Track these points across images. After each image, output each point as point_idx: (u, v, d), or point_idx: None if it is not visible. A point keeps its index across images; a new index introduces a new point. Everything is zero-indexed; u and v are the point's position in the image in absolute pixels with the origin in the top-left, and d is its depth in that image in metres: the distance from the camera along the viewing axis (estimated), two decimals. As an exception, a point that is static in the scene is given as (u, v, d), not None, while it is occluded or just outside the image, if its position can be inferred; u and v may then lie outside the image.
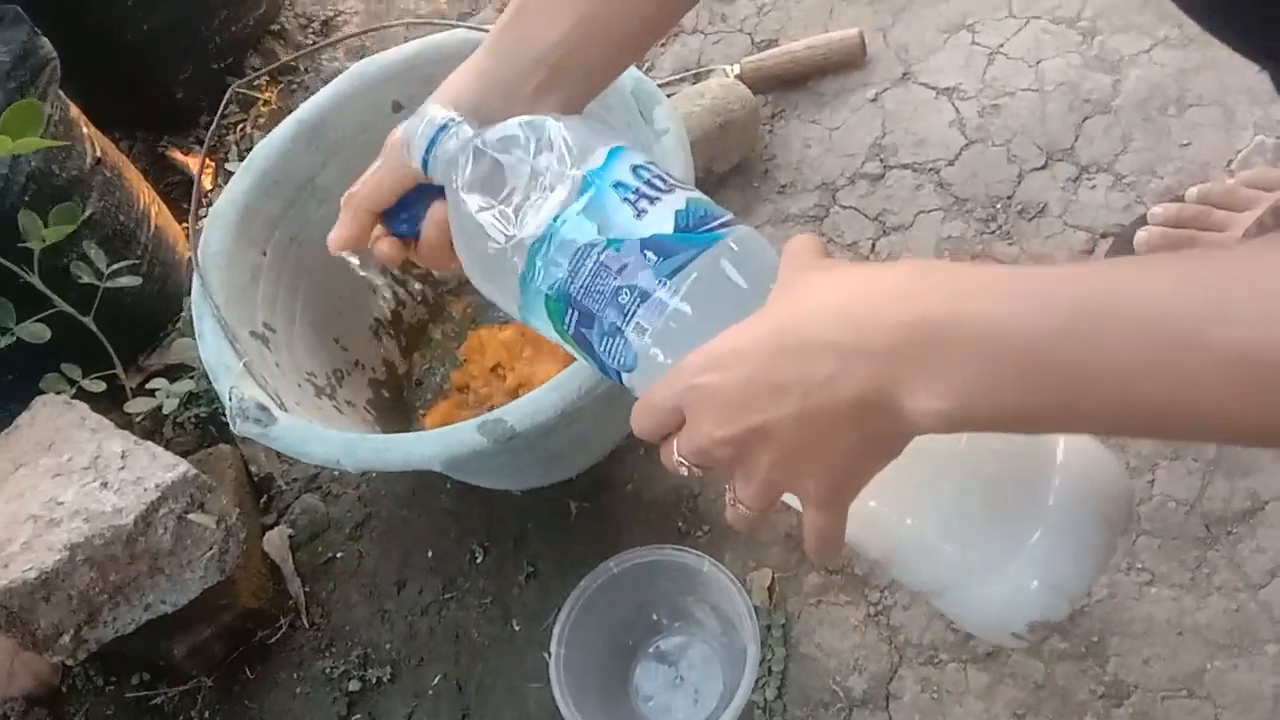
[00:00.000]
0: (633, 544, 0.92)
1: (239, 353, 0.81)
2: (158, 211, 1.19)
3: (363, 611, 0.95)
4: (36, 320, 1.01)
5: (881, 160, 1.02)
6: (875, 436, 0.43)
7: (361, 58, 1.32)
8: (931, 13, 1.11)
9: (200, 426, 1.08)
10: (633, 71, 0.86)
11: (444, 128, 0.56)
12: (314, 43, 1.39)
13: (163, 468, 0.85)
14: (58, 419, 0.95)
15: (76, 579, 0.82)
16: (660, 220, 0.50)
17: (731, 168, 1.06)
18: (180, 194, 1.29)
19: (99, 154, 1.11)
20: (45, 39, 1.04)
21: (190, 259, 1.23)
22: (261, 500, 1.03)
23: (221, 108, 0.88)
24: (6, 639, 0.95)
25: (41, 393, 1.06)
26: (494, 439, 0.74)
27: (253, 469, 1.04)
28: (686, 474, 0.48)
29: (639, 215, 0.50)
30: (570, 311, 0.52)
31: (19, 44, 1.02)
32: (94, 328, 1.04)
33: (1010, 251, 0.93)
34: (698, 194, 0.52)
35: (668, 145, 0.82)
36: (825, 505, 0.47)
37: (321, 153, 0.94)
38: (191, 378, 1.10)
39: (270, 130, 0.93)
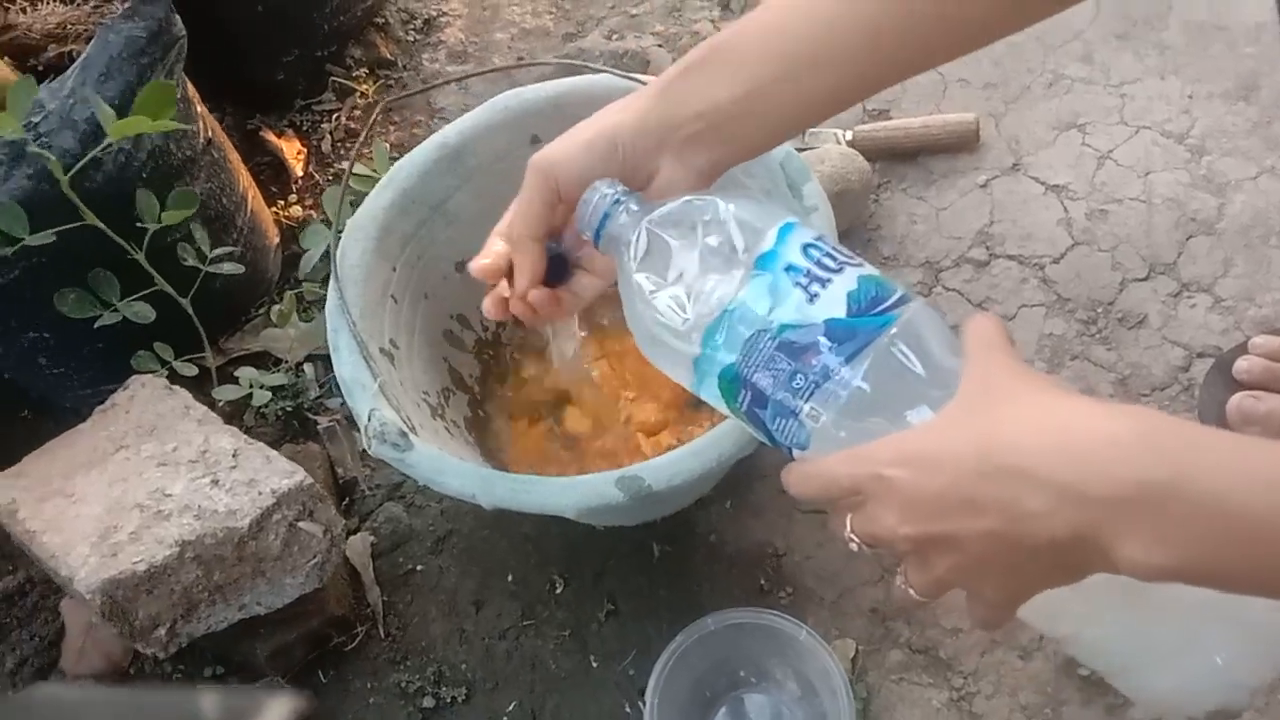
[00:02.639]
0: (714, 595, 0.95)
1: (374, 371, 0.82)
2: (254, 195, 1.19)
3: (440, 628, 0.96)
4: (139, 299, 1.01)
5: (988, 248, 1.05)
6: (1070, 567, 0.45)
7: (464, 64, 1.34)
8: (1044, 107, 1.15)
9: (283, 420, 1.09)
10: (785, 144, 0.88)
11: (616, 203, 0.58)
12: (414, 40, 1.39)
13: (279, 473, 0.86)
14: (158, 404, 0.96)
15: (183, 575, 0.83)
16: (832, 304, 0.51)
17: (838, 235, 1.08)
18: (269, 175, 1.29)
19: (209, 134, 1.11)
20: (178, 17, 1.04)
21: (278, 245, 1.23)
22: (344, 504, 1.04)
23: (371, 120, 0.89)
24: (82, 617, 0.96)
25: (131, 369, 1.07)
26: (631, 495, 0.76)
27: (339, 471, 1.05)
28: (856, 549, 0.51)
29: (811, 300, 0.51)
30: (744, 392, 0.53)
31: (155, 21, 1.01)
32: (190, 310, 1.05)
33: (1109, 358, 0.97)
34: (868, 270, 0.53)
35: (815, 223, 0.84)
36: (997, 608, 0.49)
37: (458, 177, 0.95)
38: (279, 370, 1.10)
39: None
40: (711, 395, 0.56)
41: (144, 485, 0.88)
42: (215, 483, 0.87)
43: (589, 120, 0.61)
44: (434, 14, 1.40)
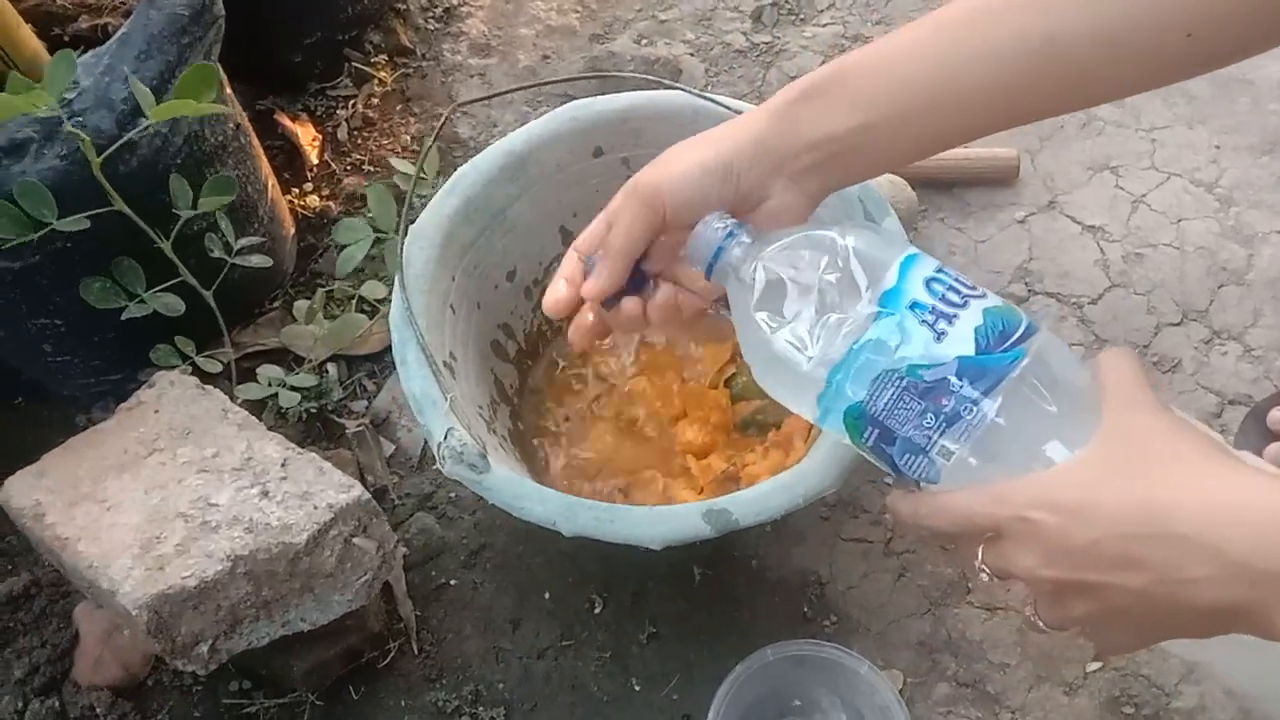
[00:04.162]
0: (757, 622, 0.95)
1: (443, 387, 0.79)
2: (273, 184, 1.14)
3: (475, 645, 0.94)
4: (163, 290, 0.96)
5: (1027, 284, 1.07)
6: (1217, 628, 0.46)
7: (486, 57, 1.30)
8: (1077, 146, 1.17)
9: (305, 422, 1.05)
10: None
11: (730, 235, 0.57)
12: (434, 29, 1.35)
13: (335, 487, 0.83)
14: (191, 405, 0.91)
15: (232, 591, 0.79)
16: (960, 341, 0.51)
17: (878, 260, 1.08)
18: (282, 161, 1.24)
19: (237, 119, 1.06)
20: (220, -4, 0.99)
21: (294, 235, 1.19)
22: (373, 513, 1.00)
23: (440, 124, 0.86)
24: (98, 625, 0.91)
25: (138, 360, 1.02)
26: (718, 528, 0.75)
27: (368, 479, 1.01)
28: (986, 579, 0.51)
29: (939, 338, 0.51)
30: (870, 429, 0.53)
31: (199, -1, 0.96)
32: (213, 303, 1.00)
33: (1146, 401, 0.99)
34: (991, 301, 0.53)
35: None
36: (1126, 648, 0.50)
37: (519, 186, 0.93)
38: (301, 369, 1.06)
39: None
40: (835, 429, 0.55)
41: (185, 493, 0.83)
42: (265, 494, 0.83)
43: (693, 144, 0.59)
44: (455, 2, 1.35)
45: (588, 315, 0.62)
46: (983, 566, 0.50)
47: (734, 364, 1.01)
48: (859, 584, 0.95)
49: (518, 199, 0.93)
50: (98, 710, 0.89)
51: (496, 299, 0.96)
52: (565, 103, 0.94)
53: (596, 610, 0.95)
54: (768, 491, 0.76)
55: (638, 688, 0.92)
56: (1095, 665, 0.88)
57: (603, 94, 0.95)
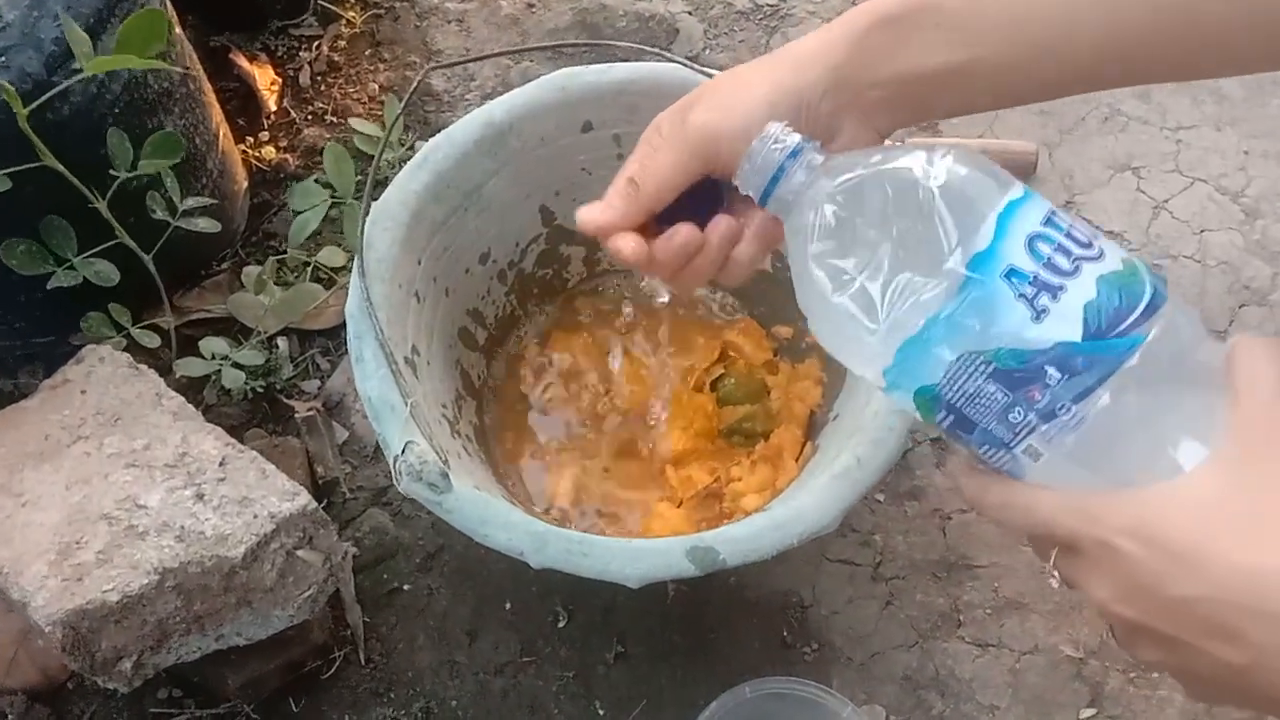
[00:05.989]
0: (732, 645, 0.89)
1: (404, 391, 0.71)
2: (225, 133, 1.03)
3: (428, 658, 0.87)
4: (96, 254, 0.86)
5: (1037, 292, 1.00)
6: None
7: (466, 1, 1.20)
8: (1099, 142, 1.09)
9: (251, 401, 0.96)
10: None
11: (794, 155, 0.47)
12: (411, -32, 1.23)
13: (278, 494, 0.75)
14: (122, 387, 0.82)
15: (159, 606, 0.72)
16: (1065, 322, 0.41)
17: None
18: (236, 106, 1.13)
19: (186, 63, 0.96)
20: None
21: (246, 190, 1.08)
22: (322, 507, 0.92)
23: (407, 99, 0.76)
24: (13, 624, 0.83)
25: (70, 323, 0.92)
26: (703, 567, 0.69)
27: (317, 470, 0.93)
28: (1056, 585, 0.44)
29: (1038, 316, 0.41)
30: (945, 414, 0.44)
31: (144, -74, 0.85)
32: (152, 268, 0.90)
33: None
34: (1110, 264, 0.42)
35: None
36: (1210, 703, 0.44)
37: (497, 161, 0.84)
38: (249, 343, 0.97)
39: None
40: (903, 405, 0.46)
41: (110, 491, 0.75)
42: (200, 497, 0.75)
43: (755, 77, 0.51)
44: (434, -60, 1.24)
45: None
46: (1054, 571, 0.43)
47: (721, 364, 0.94)
48: (843, 609, 0.89)
49: (495, 175, 0.84)
50: (10, 716, 0.81)
51: (467, 284, 0.88)
52: (549, 58, 0.85)
53: (561, 624, 0.89)
54: (760, 529, 0.69)
55: (602, 712, 0.85)
56: (1090, 711, 0.83)
57: (593, 61, 0.87)
